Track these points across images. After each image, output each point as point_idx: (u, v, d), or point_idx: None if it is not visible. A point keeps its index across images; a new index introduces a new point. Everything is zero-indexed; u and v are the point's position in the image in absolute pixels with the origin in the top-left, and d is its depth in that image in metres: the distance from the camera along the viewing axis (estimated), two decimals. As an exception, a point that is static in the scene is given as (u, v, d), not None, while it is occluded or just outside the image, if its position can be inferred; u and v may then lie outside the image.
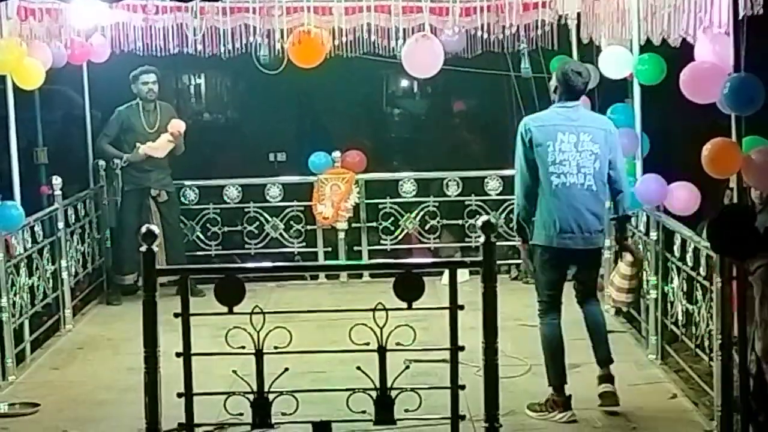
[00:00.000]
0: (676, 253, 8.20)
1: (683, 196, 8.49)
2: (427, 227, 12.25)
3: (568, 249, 7.54)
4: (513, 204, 11.58)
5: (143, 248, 6.31)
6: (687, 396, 7.84)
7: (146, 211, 11.30)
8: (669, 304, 8.46)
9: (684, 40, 8.03)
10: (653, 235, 8.73)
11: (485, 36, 10.76)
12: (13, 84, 9.11)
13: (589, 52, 10.90)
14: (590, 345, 7.84)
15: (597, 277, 8.07)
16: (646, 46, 8.99)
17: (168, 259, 11.20)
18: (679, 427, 7.22)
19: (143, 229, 6.27)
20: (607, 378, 7.66)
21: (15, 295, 8.97)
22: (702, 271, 7.56)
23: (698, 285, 7.73)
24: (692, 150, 7.25)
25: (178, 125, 11.35)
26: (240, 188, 12.21)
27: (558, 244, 7.50)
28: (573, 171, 7.46)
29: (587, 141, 7.50)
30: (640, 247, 9.11)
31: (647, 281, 8.90)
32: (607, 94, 10.80)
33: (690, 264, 7.85)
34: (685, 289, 8.10)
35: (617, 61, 9.37)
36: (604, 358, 7.74)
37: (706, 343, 7.52)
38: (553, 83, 7.77)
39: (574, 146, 7.48)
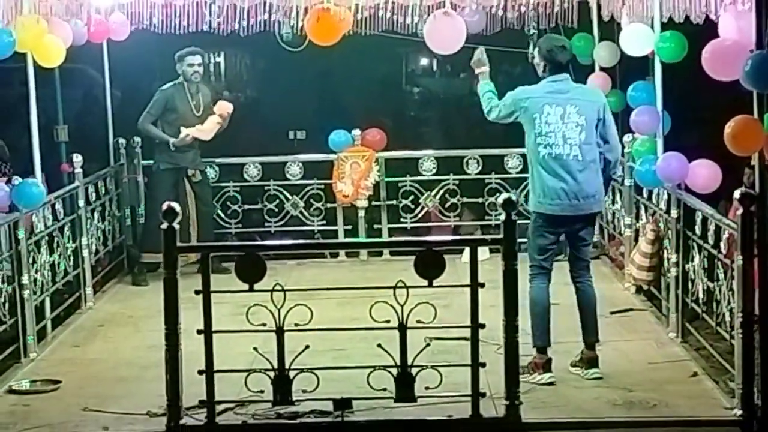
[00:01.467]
0: (697, 231, 8.17)
1: (704, 174, 8.45)
2: (447, 205, 12.24)
3: (556, 215, 7.74)
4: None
5: (164, 225, 6.33)
6: (708, 374, 7.82)
7: (181, 190, 11.24)
8: (690, 282, 8.43)
9: (706, 17, 7.99)
10: (674, 213, 8.70)
11: (504, 14, 10.70)
12: (34, 62, 9.11)
13: (610, 29, 10.86)
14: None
15: (588, 251, 8.08)
16: (668, 24, 8.94)
17: (200, 238, 11.19)
18: (700, 405, 7.19)
19: (164, 207, 6.29)
20: (593, 362, 7.75)
21: (36, 272, 8.99)
22: (723, 248, 7.54)
23: (719, 263, 7.70)
24: (714, 128, 7.23)
25: (226, 107, 11.35)
26: (260, 166, 12.22)
27: (546, 210, 7.70)
28: (559, 142, 7.70)
29: (573, 113, 7.72)
30: (661, 225, 9.09)
31: (668, 259, 8.87)
32: (629, 72, 10.78)
33: (711, 242, 7.83)
34: (705, 266, 8.07)
35: (638, 39, 9.31)
36: (591, 340, 7.86)
37: (727, 321, 7.50)
38: (539, 62, 7.97)
39: (560, 118, 7.71)
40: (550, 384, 7.57)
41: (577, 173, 7.71)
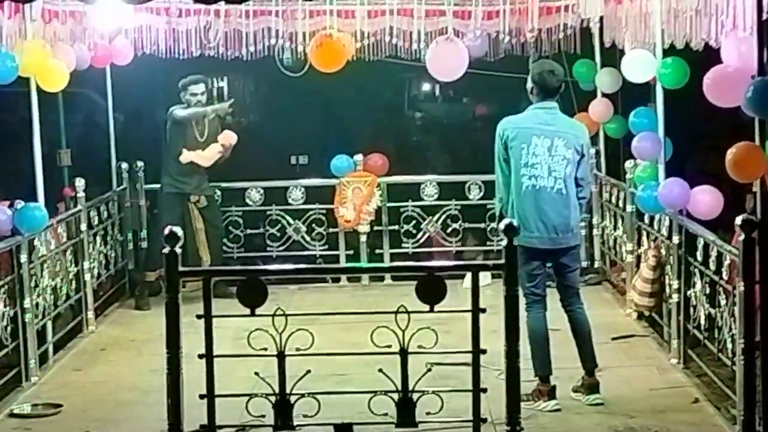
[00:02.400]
0: (699, 257, 8.17)
1: (706, 200, 8.46)
2: (449, 230, 12.25)
3: (535, 248, 7.72)
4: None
5: (166, 250, 6.33)
6: (709, 400, 7.81)
7: (187, 215, 11.23)
8: (691, 308, 8.43)
9: (707, 43, 8.01)
10: (675, 239, 8.70)
11: (507, 40, 10.75)
12: (37, 86, 9.14)
13: (612, 55, 10.91)
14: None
15: (575, 278, 8.09)
16: (670, 50, 8.97)
17: (212, 262, 11.21)
18: (701, 431, 7.19)
19: (166, 231, 6.28)
20: (593, 387, 7.76)
21: (38, 296, 9.00)
22: (724, 274, 7.54)
23: (721, 289, 7.70)
24: (716, 154, 7.24)
25: (230, 137, 11.32)
26: (262, 191, 12.24)
27: (526, 243, 7.61)
28: (544, 174, 7.67)
29: (561, 146, 7.69)
30: (663, 251, 9.09)
31: (669, 285, 8.87)
32: (630, 98, 10.82)
33: (713, 268, 7.83)
34: (707, 293, 8.07)
35: (640, 65, 9.34)
36: (590, 366, 7.87)
37: (729, 348, 7.50)
38: (529, 85, 7.92)
39: (548, 150, 7.68)
40: (556, 411, 7.57)
41: (557, 206, 7.70)
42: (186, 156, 11.07)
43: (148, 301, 11.04)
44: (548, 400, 7.62)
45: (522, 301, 7.31)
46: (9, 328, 8.46)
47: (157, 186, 11.52)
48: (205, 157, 11.17)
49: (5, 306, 8.43)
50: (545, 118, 7.76)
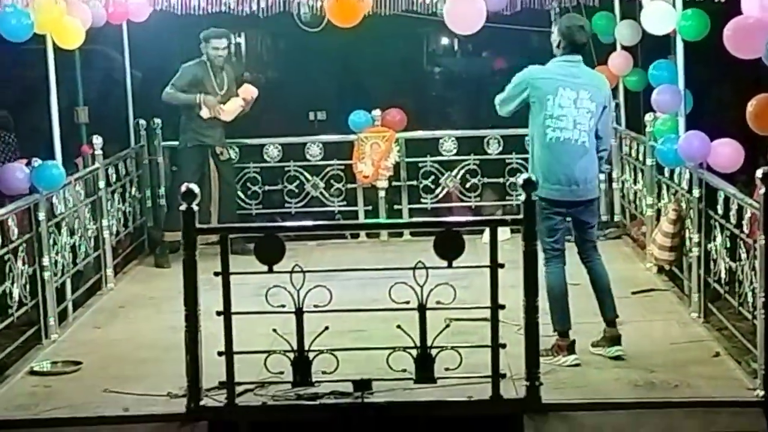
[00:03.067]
0: (719, 211, 8.12)
1: (727, 153, 8.40)
2: (467, 186, 12.21)
3: (555, 200, 7.65)
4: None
5: (183, 207, 6.32)
6: (730, 354, 7.78)
7: (207, 169, 11.19)
8: (712, 262, 8.38)
9: (728, -6, 7.93)
10: (696, 192, 8.64)
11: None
12: (53, 43, 9.11)
13: (631, 8, 10.80)
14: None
15: (594, 231, 8.05)
16: (690, 2, 8.87)
17: (221, 219, 11.14)
18: (722, 385, 7.15)
19: (183, 188, 6.28)
20: (615, 339, 7.71)
21: (57, 254, 9.00)
22: (745, 228, 7.49)
23: (741, 242, 7.66)
24: (736, 106, 7.18)
25: (251, 91, 11.29)
26: (280, 147, 12.21)
27: (548, 195, 7.57)
28: (569, 126, 7.58)
29: (586, 99, 7.61)
30: (683, 204, 9.04)
31: (690, 239, 8.82)
32: (650, 51, 10.73)
33: (733, 221, 7.78)
34: (728, 246, 8.03)
35: (660, 17, 9.23)
36: (611, 317, 7.80)
37: (750, 301, 7.46)
38: (556, 38, 7.79)
39: (573, 102, 7.59)
40: (575, 366, 7.54)
41: (580, 159, 7.63)
42: (207, 111, 11.02)
43: (168, 259, 11.02)
44: (567, 355, 7.59)
45: (541, 256, 7.28)
46: (28, 286, 8.48)
47: (175, 143, 11.50)
48: (227, 111, 11.13)
49: (24, 264, 8.44)
50: (572, 71, 7.68)
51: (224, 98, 11.17)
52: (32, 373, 7.84)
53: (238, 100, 11.20)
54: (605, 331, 7.78)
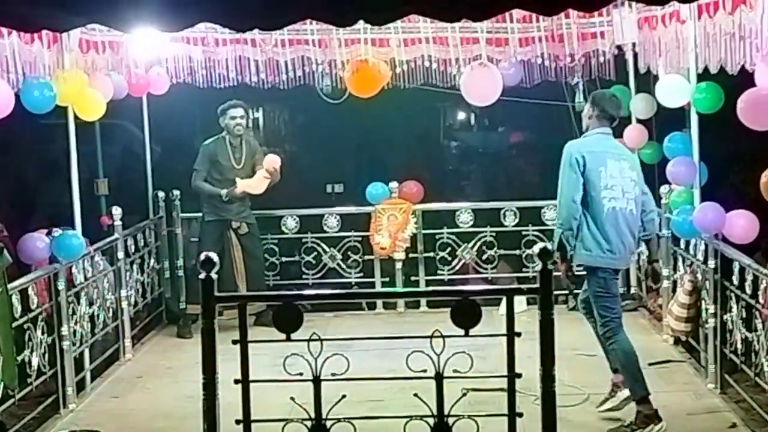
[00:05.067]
0: (735, 282, 8.14)
1: (742, 224, 8.45)
2: (484, 257, 12.24)
3: (617, 269, 7.92)
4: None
5: (202, 275, 6.36)
6: (747, 426, 7.77)
7: (227, 242, 11.25)
8: (728, 333, 8.40)
9: (742, 67, 8.00)
10: (711, 263, 8.68)
11: (543, 65, 10.76)
12: (75, 116, 9.23)
13: (646, 81, 10.89)
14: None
15: None
16: (704, 75, 8.96)
17: (250, 291, 11.12)
18: (739, 456, 7.16)
19: (202, 257, 6.32)
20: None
21: (76, 323, 9.06)
22: (761, 299, 7.51)
23: (757, 313, 7.67)
24: (751, 178, 7.23)
25: (274, 161, 11.33)
26: (298, 219, 12.29)
27: (609, 265, 7.76)
28: (619, 196, 7.79)
29: (627, 168, 7.86)
30: (698, 275, 9.06)
31: (706, 310, 8.84)
32: (665, 123, 10.79)
33: (749, 292, 7.80)
34: (744, 317, 8.04)
35: (675, 90, 9.34)
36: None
37: (767, 372, 7.46)
38: (589, 110, 8.02)
39: (619, 172, 7.79)
40: None
41: (633, 228, 7.86)
42: (239, 187, 11.14)
43: (190, 330, 11.07)
44: (658, 423, 7.59)
45: (604, 329, 7.40)
46: (47, 356, 8.53)
47: (193, 215, 11.59)
48: (253, 186, 11.21)
49: (43, 333, 8.49)
50: (610, 142, 7.93)
51: (243, 172, 11.24)
52: (50, 443, 7.87)
53: (262, 172, 11.22)
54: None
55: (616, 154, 7.85)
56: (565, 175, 7.81)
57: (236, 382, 6.44)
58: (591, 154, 7.76)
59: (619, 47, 10.96)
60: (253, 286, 11.28)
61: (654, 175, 11.33)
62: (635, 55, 10.97)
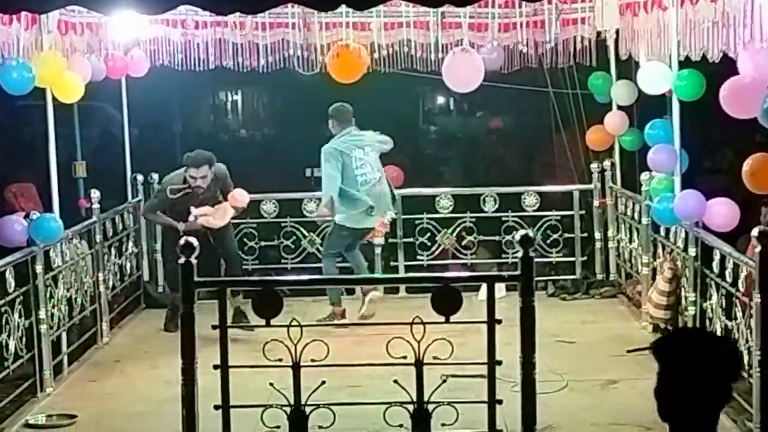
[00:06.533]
0: (715, 269, 8.14)
1: (722, 212, 8.45)
2: (463, 243, 12.23)
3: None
4: (550, 220, 11.69)
5: (182, 260, 6.33)
6: (725, 413, 7.74)
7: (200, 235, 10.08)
8: (708, 321, 8.40)
9: (724, 55, 8.00)
10: (692, 251, 8.68)
11: (524, 51, 10.75)
12: (53, 98, 9.17)
13: (628, 68, 10.89)
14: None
15: None
16: (685, 62, 8.95)
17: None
18: (718, 444, 7.14)
19: (182, 242, 6.29)
20: None
21: (53, 307, 9.01)
22: (741, 287, 7.51)
23: (737, 301, 7.67)
24: (732, 166, 7.23)
25: (241, 200, 10.54)
26: (277, 203, 12.23)
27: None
28: (369, 171, 10.66)
29: (369, 151, 10.69)
30: (678, 263, 9.06)
31: (685, 297, 8.85)
32: (646, 110, 10.79)
33: (729, 280, 7.80)
34: (723, 305, 8.04)
35: (656, 77, 9.33)
36: None
37: (746, 360, 7.46)
38: (333, 123, 10.65)
39: (365, 155, 10.62)
40: None
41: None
42: (194, 215, 10.24)
43: (177, 324, 10.40)
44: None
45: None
46: (24, 339, 8.48)
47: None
48: (213, 221, 10.30)
49: (20, 317, 8.44)
50: (353, 137, 10.61)
51: (206, 196, 10.38)
52: (27, 426, 7.85)
53: (227, 207, 10.44)
54: None
55: (359, 142, 10.52)
56: (331, 165, 10.37)
57: (215, 367, 6.42)
58: (342, 145, 10.40)
59: (599, 33, 10.95)
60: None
61: (635, 161, 11.36)
62: (616, 42, 10.96)
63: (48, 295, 8.88)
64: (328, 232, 10.89)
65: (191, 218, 10.24)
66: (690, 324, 8.69)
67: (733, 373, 3.63)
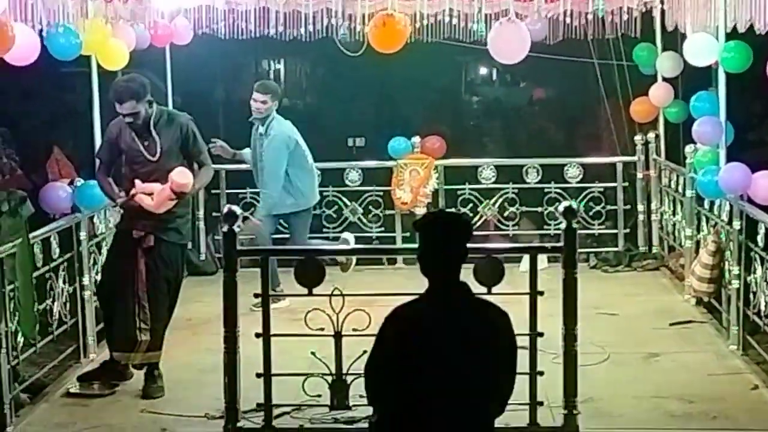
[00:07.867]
0: (760, 243, 8.09)
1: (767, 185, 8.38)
2: (505, 214, 12.19)
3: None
4: (593, 192, 11.64)
5: (224, 228, 6.34)
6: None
7: (131, 260, 7.88)
8: (751, 295, 8.35)
9: (771, 27, 7.91)
10: (736, 224, 8.61)
11: (568, 22, 10.66)
12: (98, 65, 9.20)
13: (673, 39, 10.80)
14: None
15: None
16: (732, 34, 8.86)
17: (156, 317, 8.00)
18: (760, 417, 7.12)
19: (225, 209, 6.30)
20: None
21: (97, 273, 9.05)
22: (786, 260, 7.46)
23: (782, 275, 7.63)
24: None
25: (181, 184, 7.82)
26: (319, 172, 12.21)
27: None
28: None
29: None
30: (722, 236, 9.01)
31: (729, 271, 8.79)
32: (691, 82, 10.71)
33: (774, 254, 7.75)
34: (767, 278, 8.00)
35: (702, 49, 9.25)
36: None
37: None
38: (268, 97, 10.44)
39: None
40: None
41: None
42: (134, 191, 7.89)
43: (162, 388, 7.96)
44: None
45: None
46: (68, 305, 8.53)
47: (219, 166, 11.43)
48: (150, 203, 7.83)
49: (65, 283, 8.49)
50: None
51: (161, 164, 7.89)
52: (69, 394, 7.87)
53: (167, 190, 7.79)
54: None
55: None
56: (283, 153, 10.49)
57: (257, 335, 6.45)
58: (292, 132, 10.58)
59: (646, 4, 10.85)
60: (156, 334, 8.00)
61: (679, 133, 11.28)
62: (662, 13, 10.86)
63: (92, 261, 8.93)
64: (299, 224, 10.67)
65: (133, 192, 7.90)
66: (734, 298, 8.64)
67: (468, 239, 4.82)
